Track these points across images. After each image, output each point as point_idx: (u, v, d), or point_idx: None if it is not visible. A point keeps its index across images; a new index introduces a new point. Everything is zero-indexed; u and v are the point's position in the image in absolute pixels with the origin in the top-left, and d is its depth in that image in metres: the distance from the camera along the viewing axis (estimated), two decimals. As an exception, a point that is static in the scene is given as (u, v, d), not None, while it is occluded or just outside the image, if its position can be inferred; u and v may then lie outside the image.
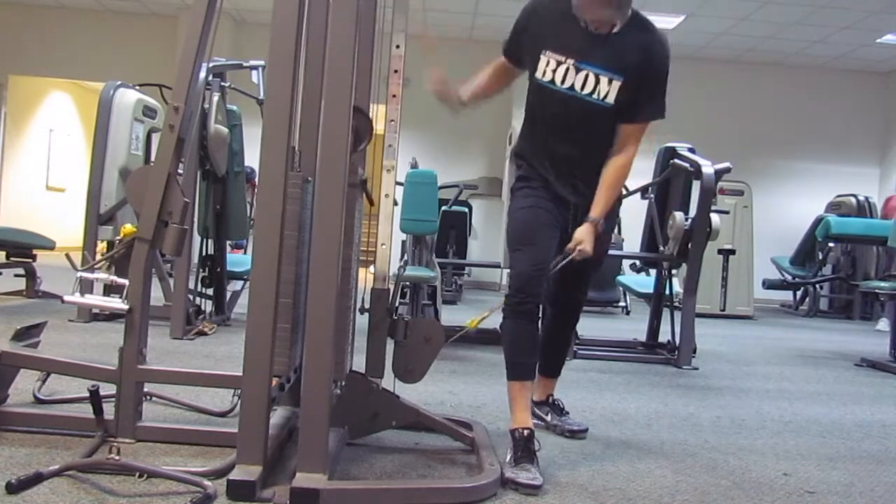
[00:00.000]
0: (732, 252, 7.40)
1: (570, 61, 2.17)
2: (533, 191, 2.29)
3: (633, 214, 5.61)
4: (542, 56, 2.20)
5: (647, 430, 2.66)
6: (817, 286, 8.65)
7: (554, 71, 2.18)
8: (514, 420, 2.12)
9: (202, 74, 3.23)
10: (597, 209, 2.21)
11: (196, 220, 4.36)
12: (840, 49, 9.59)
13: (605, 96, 2.17)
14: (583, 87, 2.17)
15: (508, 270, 2.34)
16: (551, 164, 2.27)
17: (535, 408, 2.53)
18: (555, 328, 2.52)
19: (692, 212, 4.29)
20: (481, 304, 7.67)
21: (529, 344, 2.20)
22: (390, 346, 2.16)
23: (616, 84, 2.15)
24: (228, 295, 4.67)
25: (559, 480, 2.00)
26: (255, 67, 4.55)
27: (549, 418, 2.55)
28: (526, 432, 2.06)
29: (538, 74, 2.22)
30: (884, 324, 6.93)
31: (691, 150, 4.46)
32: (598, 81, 2.16)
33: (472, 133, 9.63)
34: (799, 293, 9.09)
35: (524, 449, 2.02)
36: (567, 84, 2.18)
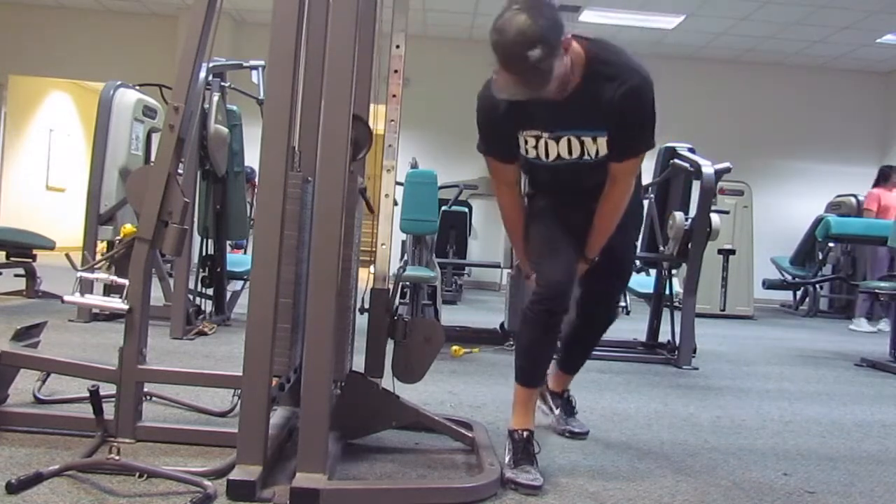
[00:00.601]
0: (732, 252, 7.39)
1: (545, 134, 2.08)
2: (545, 195, 2.30)
3: (634, 214, 5.59)
4: (519, 136, 2.13)
5: (647, 430, 2.66)
6: (817, 286, 8.64)
7: (535, 147, 2.11)
8: (515, 421, 2.11)
9: (202, 74, 3.23)
10: (592, 251, 2.25)
11: (196, 220, 4.36)
12: (840, 49, 9.59)
13: (597, 153, 2.08)
14: (570, 153, 2.10)
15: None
16: (561, 201, 2.30)
17: (549, 398, 2.54)
18: (581, 333, 2.48)
19: (692, 212, 4.29)
20: (481, 304, 7.67)
21: (544, 354, 2.17)
22: (390, 346, 2.16)
23: (602, 140, 2.06)
24: (228, 295, 4.68)
25: (559, 481, 2.00)
26: (255, 67, 4.55)
27: (557, 412, 2.54)
28: (525, 434, 2.05)
29: (523, 153, 2.16)
30: (884, 324, 6.93)
31: (691, 150, 4.46)
32: (582, 143, 2.07)
33: (472, 133, 9.51)
34: (799, 293, 9.09)
35: (523, 451, 2.01)
36: (552, 157, 2.11)
